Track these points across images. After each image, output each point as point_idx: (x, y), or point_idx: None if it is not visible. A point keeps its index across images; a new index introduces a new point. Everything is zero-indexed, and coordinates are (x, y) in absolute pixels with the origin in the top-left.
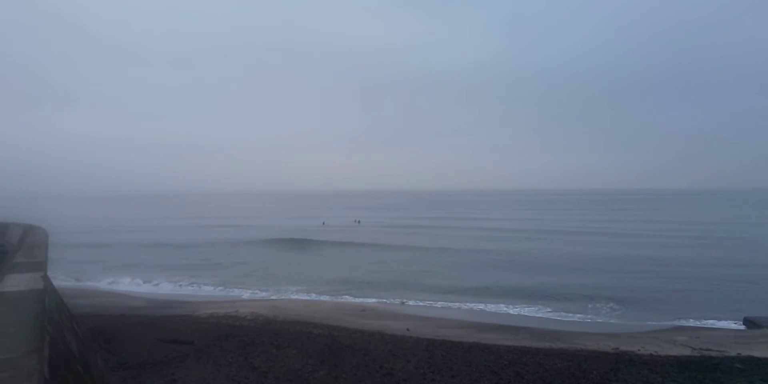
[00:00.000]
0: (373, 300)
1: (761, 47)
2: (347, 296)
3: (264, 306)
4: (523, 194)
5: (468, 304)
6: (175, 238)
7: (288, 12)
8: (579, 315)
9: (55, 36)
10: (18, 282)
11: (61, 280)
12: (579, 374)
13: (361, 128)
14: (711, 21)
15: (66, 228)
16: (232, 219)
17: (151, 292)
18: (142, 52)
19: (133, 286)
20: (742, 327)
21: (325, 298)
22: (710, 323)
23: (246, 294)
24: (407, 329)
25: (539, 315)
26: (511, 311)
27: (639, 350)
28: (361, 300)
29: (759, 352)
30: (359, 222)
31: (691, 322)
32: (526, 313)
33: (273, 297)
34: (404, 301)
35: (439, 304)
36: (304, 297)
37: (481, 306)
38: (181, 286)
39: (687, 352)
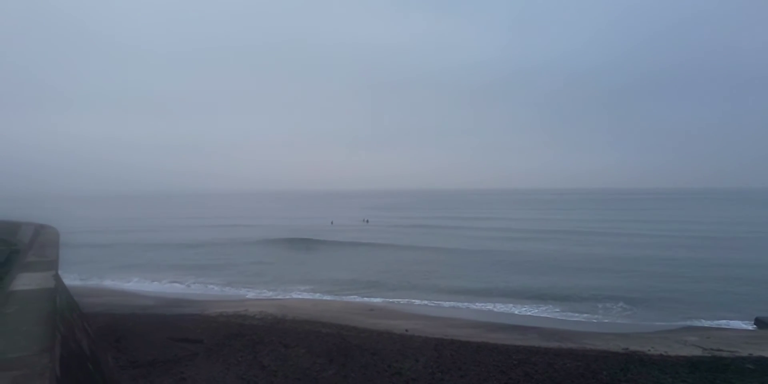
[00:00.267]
0: (382, 300)
1: (763, 44)
2: (356, 296)
3: (273, 305)
4: (527, 194)
5: (477, 304)
6: (182, 238)
7: (291, 12)
8: (588, 315)
9: (54, 36)
10: (30, 281)
11: (72, 279)
12: (588, 374)
13: (365, 127)
14: (713, 18)
15: (71, 227)
16: (240, 219)
17: (160, 291)
18: (143, 52)
19: (142, 285)
20: (753, 327)
21: (333, 297)
22: (721, 323)
23: (255, 293)
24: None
25: (548, 315)
26: (519, 311)
27: (649, 350)
28: (369, 299)
29: None
30: (367, 221)
31: (702, 323)
32: (534, 313)
33: (282, 296)
34: (412, 300)
35: (448, 303)
36: (312, 296)
37: (490, 306)
38: (190, 285)
39: (698, 352)
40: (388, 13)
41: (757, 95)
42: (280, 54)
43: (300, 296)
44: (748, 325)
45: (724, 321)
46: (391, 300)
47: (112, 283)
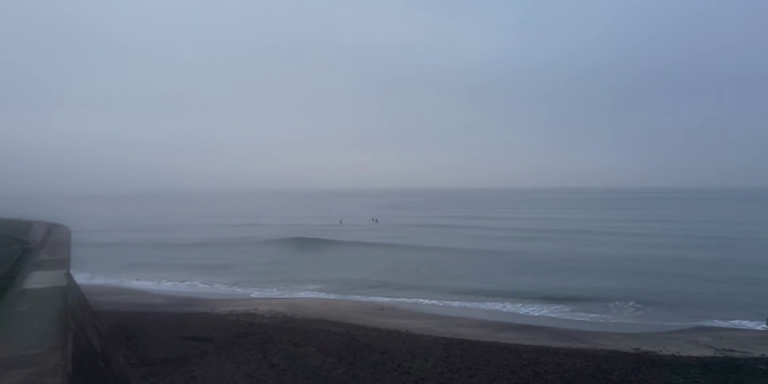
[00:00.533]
0: (391, 299)
1: (765, 41)
2: (365, 295)
3: (282, 304)
4: (532, 193)
5: (486, 303)
6: (189, 237)
7: (295, 13)
8: (598, 315)
9: (54, 36)
10: (42, 279)
11: (83, 277)
12: (599, 374)
13: (369, 127)
14: (715, 16)
15: (78, 227)
16: (249, 218)
17: (170, 289)
18: (149, 52)
19: (152, 284)
20: (765, 328)
21: (343, 297)
22: (733, 324)
23: (264, 292)
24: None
25: (558, 315)
26: (529, 311)
27: (660, 351)
28: (378, 299)
29: None
30: (376, 220)
31: (714, 323)
32: (544, 313)
33: (291, 295)
34: (421, 300)
35: (457, 303)
36: (322, 295)
37: (499, 306)
38: (200, 284)
39: (709, 352)
40: (392, 13)
41: (759, 93)
42: (285, 55)
43: (309, 295)
44: (760, 326)
45: (736, 321)
46: (400, 299)
47: (122, 281)
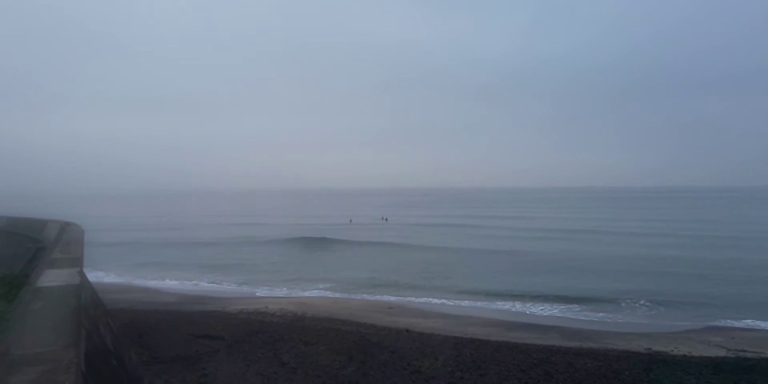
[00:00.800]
0: (401, 298)
1: None
2: (375, 294)
3: (293, 303)
4: (538, 192)
5: (496, 303)
6: (199, 236)
7: (299, 12)
8: (610, 315)
9: (54, 36)
10: (55, 277)
11: (96, 275)
12: (610, 374)
13: (375, 126)
14: (722, 9)
15: (86, 226)
16: (259, 217)
17: (181, 288)
18: (159, 54)
19: (163, 282)
20: None
21: (353, 295)
22: (746, 324)
23: (275, 291)
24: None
25: (569, 315)
26: (539, 311)
27: (672, 351)
28: (388, 298)
29: None
30: (386, 219)
31: (726, 323)
32: (555, 313)
33: (301, 294)
34: (431, 299)
35: (467, 302)
36: (332, 294)
37: (509, 305)
38: (209, 283)
39: (722, 353)
40: (397, 11)
41: (764, 90)
42: (289, 54)
43: (319, 294)
44: None
45: (749, 321)
46: (409, 298)
47: (133, 280)
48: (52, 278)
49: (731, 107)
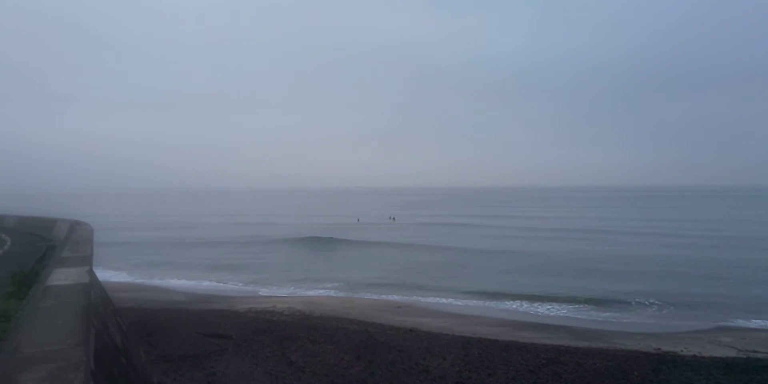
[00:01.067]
0: (409, 298)
1: None
2: (382, 294)
3: (301, 302)
4: (545, 191)
5: (505, 303)
6: (207, 236)
7: (304, 12)
8: (619, 315)
9: (55, 36)
10: (65, 276)
11: (105, 274)
12: (619, 374)
13: (382, 125)
14: (736, 4)
15: (94, 225)
16: (265, 216)
17: (189, 287)
18: (163, 54)
19: (172, 281)
20: None
21: (360, 295)
22: (756, 324)
23: (282, 290)
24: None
25: (577, 315)
26: (548, 311)
27: (682, 351)
28: (396, 297)
29: None
30: (394, 219)
31: (736, 323)
32: (564, 313)
33: (309, 293)
34: (439, 299)
35: (475, 302)
36: (339, 294)
37: (517, 305)
38: (218, 282)
39: (732, 353)
40: (406, 10)
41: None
42: (294, 54)
43: (327, 293)
44: None
45: (760, 321)
46: (417, 298)
47: (142, 279)
48: (62, 277)
49: (740, 105)
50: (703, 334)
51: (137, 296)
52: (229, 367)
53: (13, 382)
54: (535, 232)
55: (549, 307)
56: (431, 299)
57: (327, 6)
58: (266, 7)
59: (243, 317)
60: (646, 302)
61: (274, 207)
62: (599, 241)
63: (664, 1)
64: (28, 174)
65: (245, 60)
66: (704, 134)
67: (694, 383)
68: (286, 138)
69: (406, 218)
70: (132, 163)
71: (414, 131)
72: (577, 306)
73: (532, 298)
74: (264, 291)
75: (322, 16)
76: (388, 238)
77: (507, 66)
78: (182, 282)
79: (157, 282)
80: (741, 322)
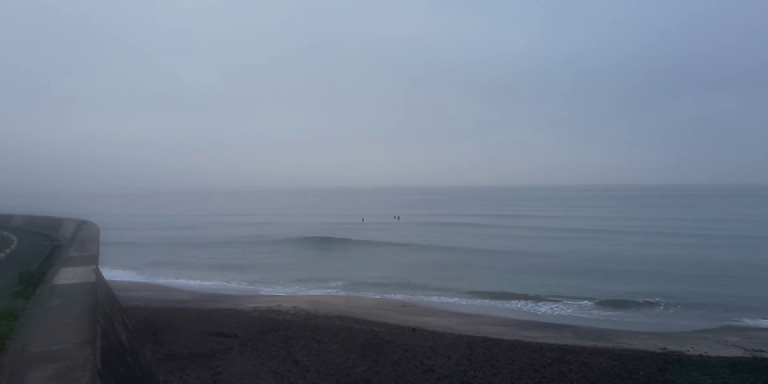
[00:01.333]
0: (413, 297)
1: None
2: (387, 293)
3: (306, 301)
4: (551, 190)
5: (510, 302)
6: (211, 236)
7: (309, 12)
8: (625, 314)
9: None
10: (71, 275)
11: (111, 274)
12: (625, 374)
13: (388, 124)
14: (729, 11)
15: (99, 224)
16: (271, 216)
17: (195, 286)
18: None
19: (177, 280)
20: None
21: (365, 294)
22: (763, 324)
23: (287, 289)
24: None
25: (583, 314)
26: (553, 310)
27: (688, 350)
28: (401, 297)
29: None
30: (398, 218)
31: (743, 323)
32: (569, 312)
33: (314, 293)
34: (444, 298)
35: (479, 301)
36: (344, 293)
37: (522, 304)
38: (223, 281)
39: (739, 353)
40: (411, 8)
41: None
42: (299, 53)
43: (332, 293)
44: None
45: (767, 321)
46: (422, 297)
47: (148, 278)
48: (68, 276)
49: (745, 104)
50: (710, 333)
51: (143, 295)
52: (234, 365)
53: (21, 380)
54: (540, 231)
55: (554, 306)
56: (436, 298)
57: (331, 5)
58: (268, 6)
59: (248, 316)
60: (652, 301)
61: (278, 207)
62: (604, 240)
63: (666, 3)
64: (34, 174)
65: (248, 60)
66: (708, 133)
67: (701, 383)
68: (290, 138)
69: (410, 218)
70: (136, 163)
71: (419, 130)
72: (582, 305)
73: (537, 297)
74: (269, 290)
75: (327, 16)
76: (392, 237)
77: (511, 65)
78: (188, 281)
79: (162, 281)
80: (748, 322)
